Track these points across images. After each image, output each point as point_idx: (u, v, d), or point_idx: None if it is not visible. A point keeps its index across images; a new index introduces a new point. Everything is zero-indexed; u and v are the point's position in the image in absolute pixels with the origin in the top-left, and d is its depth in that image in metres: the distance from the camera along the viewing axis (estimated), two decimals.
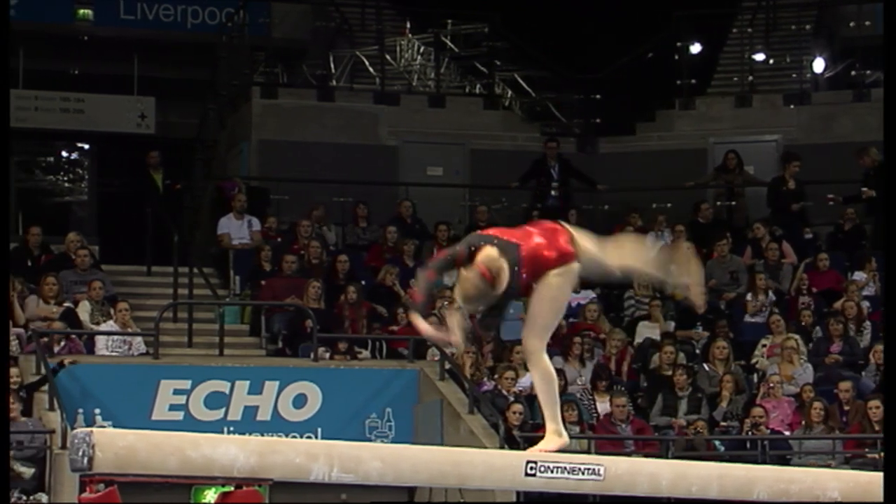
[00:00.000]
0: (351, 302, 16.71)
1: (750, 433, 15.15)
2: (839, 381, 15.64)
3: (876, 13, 19.83)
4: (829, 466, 14.06)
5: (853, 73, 20.41)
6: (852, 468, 13.97)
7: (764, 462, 13.96)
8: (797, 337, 16.47)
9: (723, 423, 15.59)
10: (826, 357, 16.49)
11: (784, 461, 14.64)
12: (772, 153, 20.24)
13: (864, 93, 20.02)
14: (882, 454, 13.05)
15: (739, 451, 15.03)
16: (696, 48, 20.98)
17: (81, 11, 21.51)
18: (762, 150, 20.29)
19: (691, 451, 14.75)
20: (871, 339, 16.57)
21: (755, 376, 16.46)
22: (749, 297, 17.48)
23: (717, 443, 15.36)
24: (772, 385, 15.78)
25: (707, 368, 16.26)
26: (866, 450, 15.03)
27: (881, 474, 6.93)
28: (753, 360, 16.66)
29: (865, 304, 17.08)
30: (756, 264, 18.16)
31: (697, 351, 16.87)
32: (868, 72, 20.15)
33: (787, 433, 15.46)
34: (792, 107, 20.44)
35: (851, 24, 20.82)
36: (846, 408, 15.41)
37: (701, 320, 17.20)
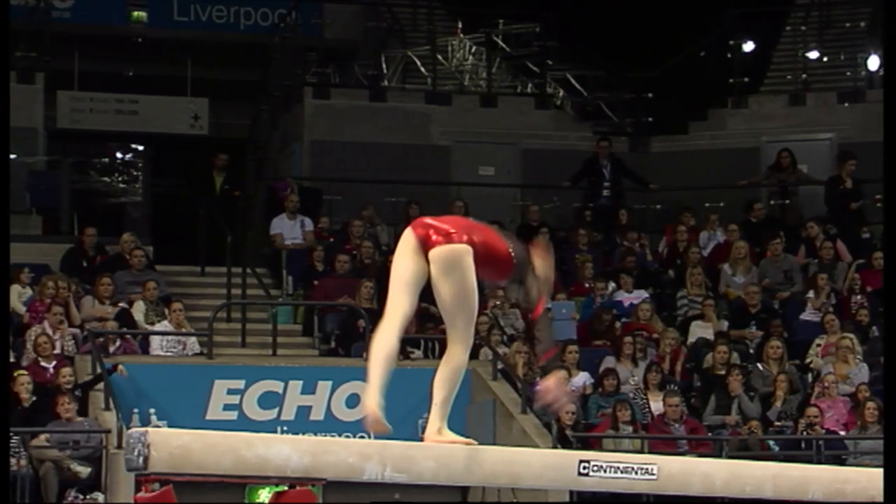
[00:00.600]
0: None
1: (805, 433, 15.05)
2: None
3: None
4: None
5: None
6: None
7: (819, 462, 13.85)
8: (852, 336, 16.36)
9: (777, 423, 15.50)
10: (882, 356, 16.35)
11: (839, 461, 14.53)
12: (826, 152, 20.10)
13: None
14: None
15: (794, 451, 14.94)
16: (749, 46, 20.87)
17: (135, 13, 21.65)
18: (816, 149, 20.16)
19: (745, 451, 14.67)
20: None
21: (809, 376, 16.35)
22: (811, 294, 17.35)
23: (771, 443, 15.27)
24: (826, 385, 15.67)
25: (761, 368, 16.17)
26: None
27: None
28: (808, 360, 16.55)
29: None
30: (810, 263, 18.05)
31: (751, 350, 16.79)
32: None
33: (842, 433, 15.36)
34: (846, 105, 20.30)
35: None
36: None
37: (755, 320, 17.12)
